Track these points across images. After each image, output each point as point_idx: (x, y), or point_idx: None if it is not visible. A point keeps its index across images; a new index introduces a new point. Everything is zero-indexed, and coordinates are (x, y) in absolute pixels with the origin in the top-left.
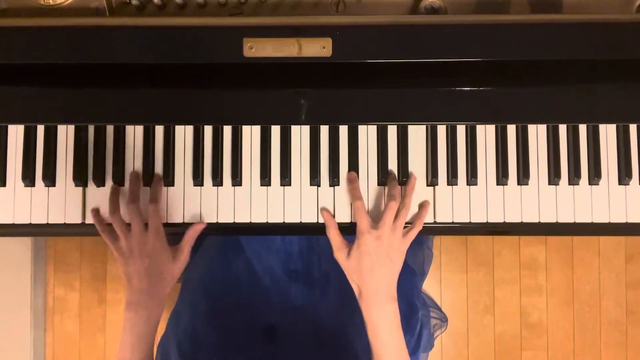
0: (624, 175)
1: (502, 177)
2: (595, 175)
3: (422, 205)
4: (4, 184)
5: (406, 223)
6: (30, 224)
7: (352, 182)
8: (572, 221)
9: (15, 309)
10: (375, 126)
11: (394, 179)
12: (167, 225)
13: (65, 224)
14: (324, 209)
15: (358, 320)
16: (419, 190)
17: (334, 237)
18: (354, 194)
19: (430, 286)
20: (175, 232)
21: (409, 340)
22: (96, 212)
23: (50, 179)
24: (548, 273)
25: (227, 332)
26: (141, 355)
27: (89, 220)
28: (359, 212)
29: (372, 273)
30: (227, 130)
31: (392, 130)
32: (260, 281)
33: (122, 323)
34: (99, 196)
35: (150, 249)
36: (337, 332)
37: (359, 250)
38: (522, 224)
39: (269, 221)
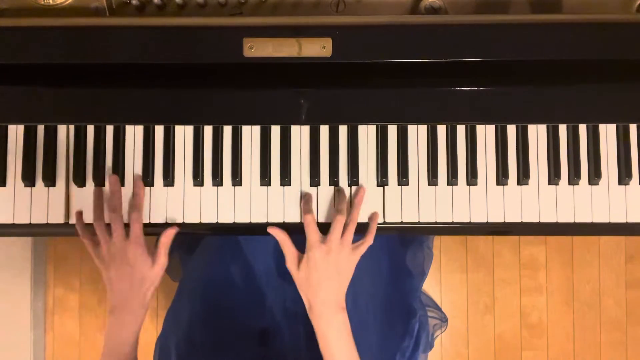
0: (624, 175)
1: (502, 177)
2: (595, 175)
3: (371, 218)
4: (4, 184)
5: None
6: (30, 224)
7: (307, 197)
8: (572, 221)
9: (15, 309)
10: (375, 126)
11: (342, 194)
12: (166, 225)
13: (65, 224)
14: (271, 227)
15: (350, 323)
16: (421, 190)
17: (288, 249)
18: (305, 208)
19: (430, 286)
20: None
21: (408, 342)
22: (80, 215)
23: (50, 179)
24: (548, 273)
25: (220, 333)
26: (123, 357)
27: (89, 220)
28: (310, 226)
29: (319, 287)
30: (227, 130)
31: (392, 130)
32: (256, 282)
33: (106, 327)
34: None
35: (130, 257)
36: None
37: (308, 264)
38: (522, 224)
39: (269, 221)
